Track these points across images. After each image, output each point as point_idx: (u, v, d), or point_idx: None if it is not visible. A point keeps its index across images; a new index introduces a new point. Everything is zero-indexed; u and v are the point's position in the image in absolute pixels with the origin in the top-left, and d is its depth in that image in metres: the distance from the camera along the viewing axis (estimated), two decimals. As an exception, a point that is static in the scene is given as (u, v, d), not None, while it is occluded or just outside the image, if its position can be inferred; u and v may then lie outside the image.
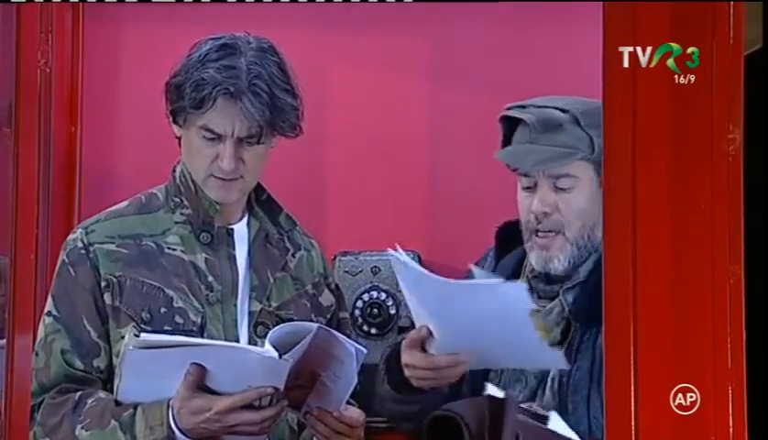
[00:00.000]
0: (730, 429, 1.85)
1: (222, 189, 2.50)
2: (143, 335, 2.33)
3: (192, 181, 2.53)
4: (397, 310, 3.00)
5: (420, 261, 3.04)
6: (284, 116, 2.47)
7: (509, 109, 2.62)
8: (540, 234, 2.55)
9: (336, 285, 2.72)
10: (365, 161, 3.13)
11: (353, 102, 3.15)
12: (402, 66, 3.14)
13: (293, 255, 2.62)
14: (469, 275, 2.57)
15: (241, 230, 2.57)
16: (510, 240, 2.67)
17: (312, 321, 2.58)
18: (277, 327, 2.33)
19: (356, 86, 3.16)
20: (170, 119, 2.52)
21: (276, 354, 2.25)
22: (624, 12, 1.89)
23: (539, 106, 2.59)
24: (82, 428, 2.40)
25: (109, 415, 2.38)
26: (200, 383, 2.29)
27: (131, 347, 2.30)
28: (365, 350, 2.36)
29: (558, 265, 2.55)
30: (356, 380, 2.36)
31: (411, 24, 3.11)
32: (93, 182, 3.10)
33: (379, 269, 3.02)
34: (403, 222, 3.12)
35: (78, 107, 3.10)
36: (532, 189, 2.57)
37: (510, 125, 2.62)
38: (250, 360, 2.27)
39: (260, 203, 2.61)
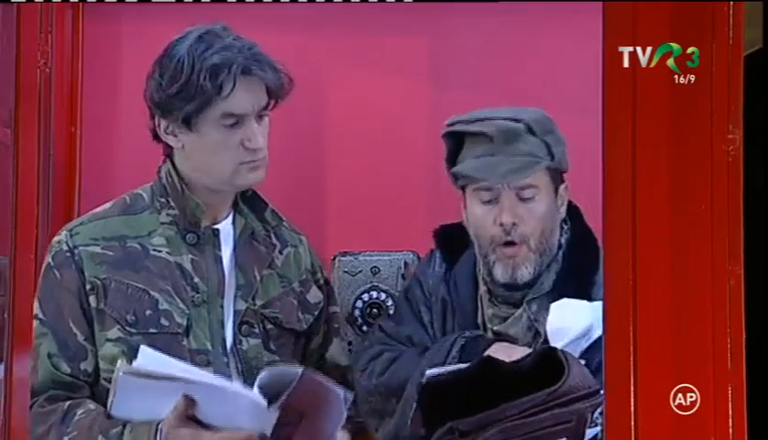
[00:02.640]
0: (730, 429, 1.85)
1: (254, 171, 2.48)
2: (135, 363, 2.31)
3: (180, 181, 2.51)
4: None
5: (419, 261, 3.04)
6: (281, 79, 2.48)
7: (453, 125, 2.62)
8: (506, 246, 2.57)
9: (326, 280, 2.71)
10: (365, 161, 3.13)
11: (353, 102, 3.15)
12: (402, 66, 3.14)
13: (280, 252, 2.61)
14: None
15: (226, 229, 2.55)
16: (452, 241, 2.70)
17: (298, 318, 2.59)
18: (265, 371, 2.30)
19: (356, 86, 3.16)
20: (169, 131, 2.50)
21: (265, 403, 2.24)
22: (624, 12, 1.89)
23: (486, 119, 2.58)
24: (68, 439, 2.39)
25: (97, 429, 2.37)
26: (189, 413, 2.29)
27: (122, 373, 2.30)
28: (350, 395, 2.36)
29: (525, 273, 2.58)
30: (344, 418, 2.35)
31: (411, 24, 3.11)
32: (93, 182, 3.10)
33: (379, 269, 3.02)
34: (403, 222, 3.12)
35: (78, 107, 3.10)
36: (492, 202, 2.58)
37: (456, 140, 2.62)
38: (240, 402, 2.27)
39: (245, 200, 2.59)
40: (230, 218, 2.57)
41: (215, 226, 2.54)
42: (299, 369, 2.29)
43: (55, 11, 2.85)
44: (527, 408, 2.25)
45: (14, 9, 2.29)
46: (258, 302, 2.54)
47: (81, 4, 3.06)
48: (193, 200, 2.50)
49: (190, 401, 2.28)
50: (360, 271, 3.05)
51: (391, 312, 2.99)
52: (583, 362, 2.31)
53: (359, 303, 3.03)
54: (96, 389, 2.46)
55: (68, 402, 2.43)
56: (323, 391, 2.31)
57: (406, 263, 3.05)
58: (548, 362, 2.29)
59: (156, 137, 2.54)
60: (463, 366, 2.41)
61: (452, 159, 2.63)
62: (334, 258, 3.04)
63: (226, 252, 2.54)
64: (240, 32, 2.51)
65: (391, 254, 3.06)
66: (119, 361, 2.36)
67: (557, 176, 2.61)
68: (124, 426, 2.35)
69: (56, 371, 2.45)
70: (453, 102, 3.09)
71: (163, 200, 2.53)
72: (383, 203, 3.12)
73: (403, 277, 3.04)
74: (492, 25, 3.12)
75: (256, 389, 2.26)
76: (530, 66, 3.12)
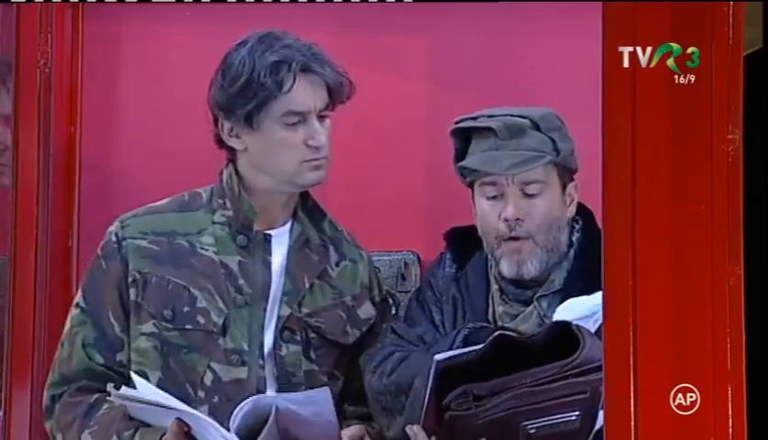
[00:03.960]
0: (730, 429, 1.85)
1: (317, 170, 2.50)
2: (123, 388, 2.35)
3: (239, 183, 2.52)
4: (397, 310, 3.00)
5: (419, 262, 3.05)
6: (341, 79, 2.51)
7: (461, 122, 2.64)
8: (510, 241, 2.57)
9: (384, 299, 2.72)
10: (364, 161, 3.13)
11: (353, 102, 3.15)
12: (402, 66, 3.14)
13: (336, 264, 2.61)
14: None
15: (282, 235, 2.56)
16: (462, 242, 2.70)
17: (345, 332, 2.59)
18: (236, 411, 2.30)
19: (356, 86, 3.15)
20: (233, 133, 2.51)
21: None
22: (624, 12, 1.89)
23: (492, 115, 2.60)
24: (89, 433, 2.42)
25: (114, 429, 2.40)
26: (185, 433, 2.31)
27: (112, 397, 2.35)
28: (327, 391, 2.37)
29: (531, 268, 2.59)
30: (333, 418, 2.36)
31: (411, 24, 3.11)
32: (93, 182, 3.10)
33: (379, 270, 3.01)
34: (403, 222, 3.12)
35: (78, 107, 3.10)
36: (497, 198, 2.59)
37: (463, 138, 2.64)
38: (220, 436, 2.28)
39: (305, 209, 2.60)
40: (287, 226, 2.57)
41: (268, 232, 2.55)
42: (270, 401, 2.31)
43: (55, 11, 2.85)
44: (542, 377, 2.27)
45: (14, 9, 2.29)
46: (304, 310, 2.54)
47: (81, 4, 3.06)
48: (247, 202, 2.51)
49: (182, 424, 2.30)
50: (360, 271, 3.05)
51: (392, 312, 2.99)
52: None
53: (359, 303, 3.03)
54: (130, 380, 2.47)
55: (96, 395, 2.45)
56: (302, 405, 2.32)
57: (406, 263, 3.05)
58: (562, 337, 2.31)
59: (220, 142, 2.55)
60: (472, 348, 2.42)
61: (460, 157, 2.65)
62: (333, 259, 3.04)
63: (277, 258, 2.54)
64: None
65: (391, 254, 3.06)
66: (109, 385, 2.41)
67: (565, 174, 2.62)
68: (136, 430, 2.38)
69: (89, 361, 2.47)
70: (453, 102, 3.09)
71: (221, 201, 2.54)
72: (383, 203, 3.12)
73: (403, 277, 3.04)
74: (492, 25, 3.12)
75: (232, 432, 2.28)
76: (530, 66, 3.11)
